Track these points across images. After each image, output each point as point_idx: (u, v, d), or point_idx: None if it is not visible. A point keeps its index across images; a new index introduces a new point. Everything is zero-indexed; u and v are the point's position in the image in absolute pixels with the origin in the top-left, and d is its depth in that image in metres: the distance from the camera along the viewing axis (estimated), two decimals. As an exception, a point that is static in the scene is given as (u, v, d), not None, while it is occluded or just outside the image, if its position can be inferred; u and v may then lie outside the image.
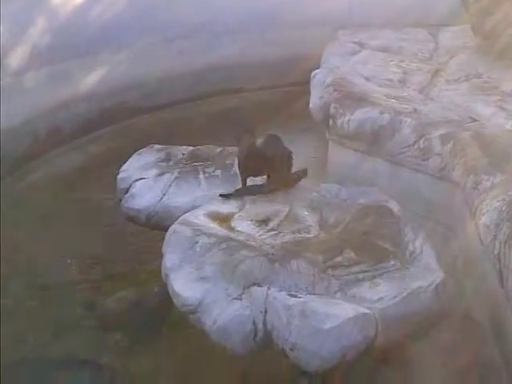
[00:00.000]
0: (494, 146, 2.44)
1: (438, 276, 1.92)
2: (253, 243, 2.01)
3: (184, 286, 1.90)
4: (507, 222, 1.91)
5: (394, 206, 2.23)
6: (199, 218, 2.16)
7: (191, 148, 2.74)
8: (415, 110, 2.82)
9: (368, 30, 3.94)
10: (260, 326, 1.79)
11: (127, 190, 2.51)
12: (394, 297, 1.83)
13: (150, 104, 4.27)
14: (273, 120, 3.80)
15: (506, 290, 1.82)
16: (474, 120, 2.75)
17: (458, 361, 2.05)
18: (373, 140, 2.76)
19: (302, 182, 2.42)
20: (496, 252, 1.92)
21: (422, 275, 1.92)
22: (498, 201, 2.03)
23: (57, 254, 2.77)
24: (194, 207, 2.29)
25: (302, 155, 2.76)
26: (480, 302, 2.19)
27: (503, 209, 1.97)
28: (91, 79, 4.02)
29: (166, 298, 1.99)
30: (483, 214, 2.06)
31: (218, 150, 2.72)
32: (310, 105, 3.07)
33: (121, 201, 2.52)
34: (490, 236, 1.99)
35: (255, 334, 1.79)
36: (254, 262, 1.90)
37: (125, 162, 2.67)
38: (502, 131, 2.59)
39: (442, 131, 2.61)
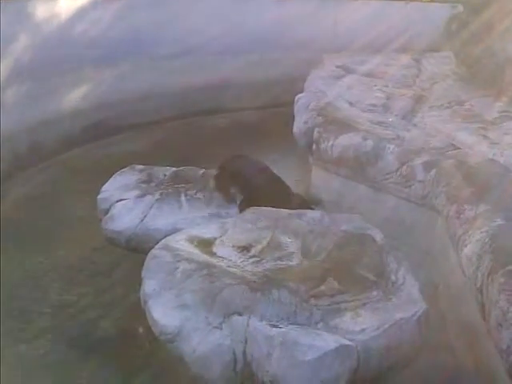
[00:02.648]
0: (477, 175, 2.45)
1: (421, 307, 1.90)
2: (234, 270, 1.98)
3: (163, 313, 1.85)
4: (490, 255, 1.90)
5: (377, 234, 2.21)
6: (180, 242, 2.12)
7: (173, 169, 2.71)
8: (398, 136, 2.84)
9: (352, 55, 3.97)
10: (240, 356, 1.75)
11: (107, 211, 2.47)
12: (377, 328, 1.81)
13: (133, 122, 4.25)
14: (257, 141, 3.81)
15: (487, 323, 1.81)
16: (457, 148, 2.77)
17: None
18: (356, 166, 2.76)
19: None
20: (478, 284, 1.91)
21: (405, 306, 1.90)
22: (481, 232, 2.03)
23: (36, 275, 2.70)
24: (175, 230, 2.26)
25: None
26: (461, 334, 2.18)
27: (486, 241, 1.97)
28: (74, 96, 3.98)
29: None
30: (466, 245, 2.05)
31: (201, 171, 2.70)
32: (294, 129, 3.07)
33: (101, 222, 2.47)
34: (472, 267, 1.98)
35: (235, 365, 1.75)
36: (236, 290, 1.86)
37: (106, 182, 2.63)
38: (484, 160, 2.61)
39: (424, 158, 2.62)
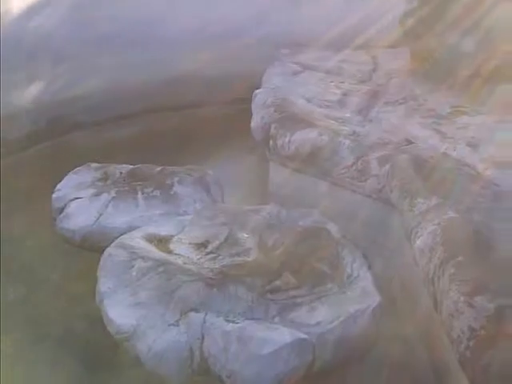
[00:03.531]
0: (430, 168, 2.50)
1: (375, 300, 1.94)
2: (191, 267, 1.98)
3: (118, 312, 1.85)
4: (441, 247, 1.94)
5: (333, 228, 2.24)
6: (136, 240, 2.11)
7: (130, 167, 2.69)
8: (354, 131, 2.87)
9: (309, 51, 3.99)
10: (197, 352, 1.76)
11: (62, 210, 2.43)
12: (332, 321, 1.84)
13: (90, 119, 4.16)
14: (217, 138, 3.80)
15: (439, 314, 1.85)
16: (411, 142, 2.81)
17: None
18: (312, 161, 2.78)
19: (242, 203, 2.41)
20: (430, 276, 1.95)
21: (359, 299, 1.94)
22: (433, 224, 2.07)
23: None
24: (131, 228, 2.24)
25: (244, 175, 2.76)
26: (415, 326, 2.23)
27: (438, 233, 2.01)
28: (29, 93, 3.89)
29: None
30: (418, 238, 2.09)
31: (158, 169, 2.68)
32: (252, 124, 3.07)
33: (55, 220, 2.44)
34: (424, 259, 2.02)
35: (192, 361, 1.76)
36: (192, 287, 1.87)
37: (60, 181, 2.59)
38: (437, 154, 2.66)
39: (379, 153, 2.65)
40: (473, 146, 2.70)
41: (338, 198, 2.73)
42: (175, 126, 4.25)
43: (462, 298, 1.71)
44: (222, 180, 2.75)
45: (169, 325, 1.79)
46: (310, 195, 2.80)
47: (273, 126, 2.90)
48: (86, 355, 2.13)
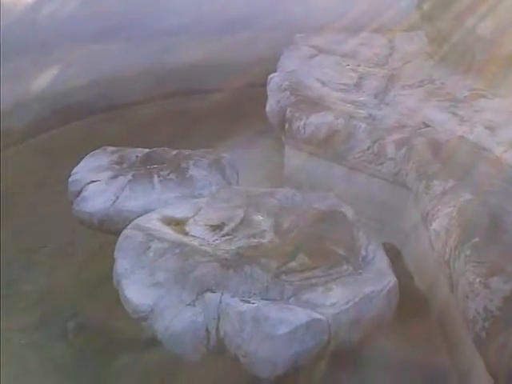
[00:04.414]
0: (447, 151, 2.49)
1: (390, 281, 1.94)
2: (207, 248, 1.99)
3: (136, 292, 1.86)
4: (457, 229, 1.94)
5: (348, 211, 2.24)
6: (152, 222, 2.13)
7: (146, 150, 2.70)
8: (370, 115, 2.85)
9: (325, 35, 3.97)
10: (213, 332, 1.78)
11: (79, 193, 2.46)
12: (347, 302, 1.84)
13: (105, 105, 4.19)
14: (232, 121, 3.80)
15: (455, 296, 1.86)
16: (428, 126, 2.79)
17: (410, 365, 2.07)
18: (328, 144, 2.77)
19: (257, 186, 2.42)
20: (446, 258, 1.95)
21: (375, 280, 1.94)
22: (449, 207, 2.07)
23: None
24: (147, 211, 2.26)
25: (258, 158, 2.76)
26: (432, 307, 2.23)
27: (454, 215, 2.01)
28: (43, 79, 3.92)
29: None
30: (434, 220, 2.09)
31: (174, 152, 2.69)
32: (267, 108, 3.07)
33: (72, 204, 2.46)
34: (440, 242, 2.02)
35: (208, 341, 1.78)
36: (208, 268, 1.88)
37: (77, 164, 2.61)
38: (454, 137, 2.64)
39: (395, 136, 2.64)
40: (490, 129, 2.68)
41: (354, 181, 2.73)
42: (189, 110, 4.27)
43: (477, 280, 1.71)
44: (238, 163, 2.75)
45: (185, 305, 1.80)
46: (325, 179, 2.80)
47: (288, 109, 2.89)
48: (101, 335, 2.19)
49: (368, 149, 2.68)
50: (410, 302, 2.25)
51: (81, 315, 2.37)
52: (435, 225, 2.07)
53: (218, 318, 1.78)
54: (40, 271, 2.65)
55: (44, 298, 2.50)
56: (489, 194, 2.11)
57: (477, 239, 1.84)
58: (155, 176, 2.48)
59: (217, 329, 1.78)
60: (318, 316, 1.78)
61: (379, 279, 1.95)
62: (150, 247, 1.98)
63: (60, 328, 2.33)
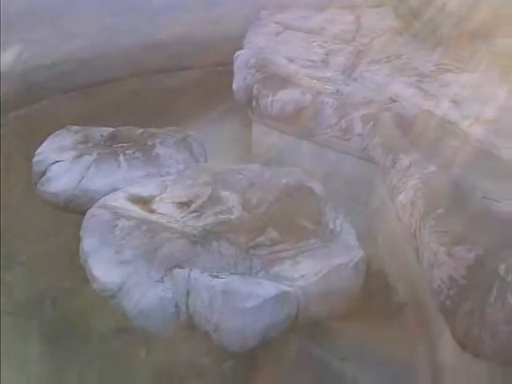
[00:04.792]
0: (413, 126, 2.51)
1: (358, 253, 1.96)
2: (174, 225, 1.98)
3: (103, 270, 1.85)
4: (422, 200, 1.96)
5: (317, 186, 2.25)
6: (119, 200, 2.11)
7: (111, 129, 2.66)
8: (337, 90, 2.85)
9: (291, 11, 3.94)
10: (183, 308, 1.78)
11: (43, 174, 2.41)
12: (316, 274, 1.86)
13: (70, 84, 4.10)
14: (200, 100, 3.76)
15: (421, 266, 1.88)
16: (394, 101, 2.81)
17: (379, 337, 2.10)
18: (296, 121, 2.77)
19: (225, 164, 2.41)
20: (412, 229, 1.97)
21: (343, 252, 1.95)
22: (415, 179, 2.09)
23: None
24: (114, 190, 2.23)
25: (226, 136, 2.74)
26: (400, 279, 2.26)
27: (419, 187, 2.03)
28: (4, 59, 3.81)
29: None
30: (400, 193, 2.11)
31: (139, 131, 2.65)
32: (234, 86, 3.05)
33: (36, 184, 2.42)
34: (406, 214, 2.04)
35: (178, 317, 1.78)
36: (176, 244, 1.87)
37: (40, 145, 2.56)
38: (420, 111, 2.66)
39: (363, 112, 2.66)
40: (456, 103, 2.70)
41: (322, 157, 2.74)
42: (158, 89, 4.19)
43: (441, 249, 1.73)
44: (206, 142, 2.73)
45: (154, 281, 1.80)
46: (293, 155, 2.80)
47: (255, 86, 2.88)
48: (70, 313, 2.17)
49: (335, 124, 2.68)
50: (379, 277, 2.29)
51: (54, 292, 2.34)
52: (401, 197, 2.10)
53: (188, 294, 1.78)
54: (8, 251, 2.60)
55: (17, 277, 2.46)
56: (454, 166, 2.14)
57: (441, 210, 1.86)
58: (121, 155, 2.45)
59: (186, 304, 1.78)
60: (286, 289, 1.79)
61: (347, 252, 1.96)
62: (116, 225, 1.96)
63: (36, 305, 2.30)
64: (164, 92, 4.12)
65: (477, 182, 2.01)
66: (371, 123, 2.58)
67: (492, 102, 2.73)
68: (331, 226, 2.07)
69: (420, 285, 2.02)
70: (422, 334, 2.03)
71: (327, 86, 2.89)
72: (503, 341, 1.60)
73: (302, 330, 1.91)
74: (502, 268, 1.62)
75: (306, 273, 1.86)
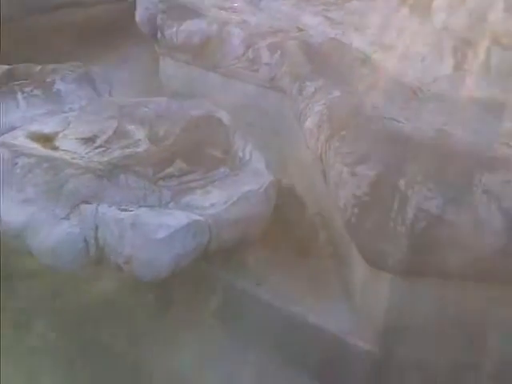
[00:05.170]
0: (318, 53, 2.52)
1: (267, 179, 1.98)
2: (79, 161, 1.92)
3: (6, 209, 1.78)
4: (327, 124, 2.00)
5: (224, 116, 2.23)
6: (18, 139, 2.01)
7: (6, 67, 2.50)
8: (244, 20, 2.81)
9: None
10: (92, 242, 1.75)
11: None
12: (225, 202, 1.87)
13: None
14: (106, 34, 3.60)
15: (328, 187, 1.93)
16: (301, 30, 2.80)
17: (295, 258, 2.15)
18: (202, 52, 2.72)
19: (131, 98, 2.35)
20: (319, 153, 2.01)
21: (252, 180, 1.98)
22: (320, 105, 2.11)
23: None
24: (12, 129, 2.12)
25: (133, 71, 2.65)
26: (310, 203, 2.31)
27: (324, 112, 2.06)
28: None
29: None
30: (307, 119, 2.14)
31: (38, 68, 2.51)
32: (137, 18, 2.94)
33: None
34: (313, 139, 2.07)
35: (87, 252, 1.75)
36: (81, 180, 1.82)
37: None
38: (325, 39, 2.67)
39: (269, 41, 2.63)
40: (361, 30, 2.73)
41: (231, 88, 2.71)
42: (57, 27, 3.98)
43: (345, 169, 1.78)
44: (112, 78, 2.64)
45: (60, 219, 1.76)
46: (201, 87, 2.76)
47: (159, 16, 2.78)
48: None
49: (243, 55, 2.65)
50: (291, 204, 2.32)
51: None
52: (308, 123, 2.12)
53: (96, 228, 1.75)
54: None
55: None
56: (358, 91, 2.18)
57: (344, 132, 1.90)
58: (19, 93, 2.32)
59: (96, 239, 1.75)
60: (197, 217, 1.80)
61: (256, 179, 1.99)
62: (16, 163, 1.88)
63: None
64: (64, 30, 3.92)
65: (379, 104, 2.06)
66: (278, 52, 2.57)
67: (396, 28, 2.78)
68: (240, 154, 2.07)
69: (328, 206, 2.07)
70: (331, 252, 2.09)
71: (234, 16, 2.84)
72: (406, 253, 1.68)
73: (216, 257, 1.93)
74: (402, 183, 1.69)
75: (216, 201, 1.87)
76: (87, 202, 1.79)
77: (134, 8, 3.08)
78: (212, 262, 1.95)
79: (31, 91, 2.33)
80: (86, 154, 1.98)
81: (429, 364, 1.79)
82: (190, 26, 2.72)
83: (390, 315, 1.77)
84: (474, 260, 1.65)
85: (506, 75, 2.13)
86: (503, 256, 1.65)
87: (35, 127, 2.09)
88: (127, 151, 2.00)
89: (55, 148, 1.99)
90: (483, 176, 1.67)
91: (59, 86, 2.36)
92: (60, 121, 2.14)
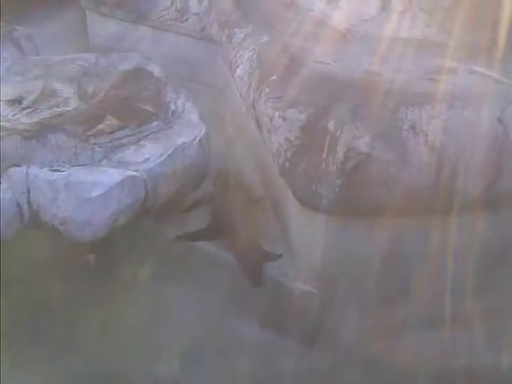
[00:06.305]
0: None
1: (201, 130, 1.98)
2: (5, 124, 1.86)
3: None
4: (257, 70, 1.99)
5: (155, 69, 2.20)
6: None
7: None
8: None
9: None
10: (25, 206, 1.72)
11: None
12: (160, 155, 1.87)
13: None
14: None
15: (262, 134, 1.94)
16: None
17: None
18: (130, 5, 2.65)
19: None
20: (251, 100, 2.01)
21: (186, 131, 1.97)
22: (249, 51, 2.10)
23: None
24: None
25: (59, 27, 2.56)
26: (248, 152, 2.32)
27: (254, 58, 2.05)
28: None
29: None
30: (237, 67, 2.12)
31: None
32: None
33: None
34: (245, 87, 2.06)
35: (21, 216, 1.72)
36: (8, 142, 1.77)
37: None
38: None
39: (195, -10, 2.58)
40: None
41: (161, 40, 2.67)
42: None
43: (276, 114, 1.78)
44: (38, 38, 2.54)
45: (-11, 185, 1.71)
46: (131, 41, 2.69)
47: (82, -30, 2.68)
48: None
49: (171, 5, 2.61)
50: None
51: None
52: (239, 71, 2.11)
53: (28, 191, 1.72)
54: None
55: None
56: (286, 35, 2.16)
57: (274, 77, 1.90)
58: None
59: (28, 202, 1.72)
60: (132, 173, 1.79)
61: (190, 130, 1.98)
62: None
63: None
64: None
65: (308, 47, 2.05)
66: (207, 1, 2.52)
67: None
68: (173, 107, 2.06)
69: (263, 154, 2.08)
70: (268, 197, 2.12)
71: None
72: (337, 193, 1.71)
73: (155, 212, 1.93)
74: (331, 124, 1.70)
75: (150, 155, 1.86)
76: (17, 165, 1.75)
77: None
78: (153, 218, 1.95)
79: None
80: (13, 116, 1.92)
81: (366, 299, 1.84)
82: (114, -23, 2.63)
83: (325, 255, 1.82)
84: (404, 195, 1.70)
85: (429, 13, 2.16)
86: (431, 189, 1.70)
87: (-46, 93, 2.01)
88: (56, 110, 1.95)
89: (-22, 112, 1.93)
90: (409, 111, 1.70)
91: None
92: (-19, 84, 2.05)
